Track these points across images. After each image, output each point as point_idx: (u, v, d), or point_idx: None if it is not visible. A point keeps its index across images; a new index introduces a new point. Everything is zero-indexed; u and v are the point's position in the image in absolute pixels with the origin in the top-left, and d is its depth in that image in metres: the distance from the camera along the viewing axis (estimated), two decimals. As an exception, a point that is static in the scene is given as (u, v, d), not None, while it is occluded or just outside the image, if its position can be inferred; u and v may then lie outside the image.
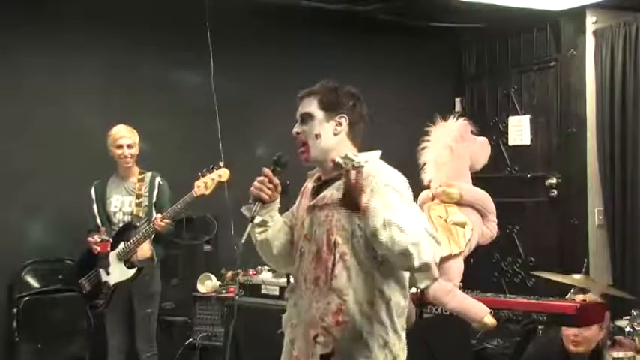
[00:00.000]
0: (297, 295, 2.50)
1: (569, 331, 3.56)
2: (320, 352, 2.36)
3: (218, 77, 5.51)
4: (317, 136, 2.44)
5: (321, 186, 2.50)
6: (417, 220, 2.25)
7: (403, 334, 2.44)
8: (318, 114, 2.45)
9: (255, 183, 2.48)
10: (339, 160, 2.23)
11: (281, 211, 2.60)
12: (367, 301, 2.35)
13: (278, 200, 2.54)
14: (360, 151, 2.48)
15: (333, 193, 2.40)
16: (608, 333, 3.68)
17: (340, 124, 2.45)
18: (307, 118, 2.46)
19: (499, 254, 6.25)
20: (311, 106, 2.46)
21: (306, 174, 2.65)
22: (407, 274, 2.45)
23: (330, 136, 2.45)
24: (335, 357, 2.35)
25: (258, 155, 5.71)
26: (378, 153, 2.49)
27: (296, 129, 2.49)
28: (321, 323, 2.37)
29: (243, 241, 2.48)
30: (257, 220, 2.48)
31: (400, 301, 2.41)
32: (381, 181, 2.32)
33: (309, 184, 2.58)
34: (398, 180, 2.38)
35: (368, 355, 2.34)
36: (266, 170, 2.48)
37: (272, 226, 2.54)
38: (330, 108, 2.45)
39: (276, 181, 2.48)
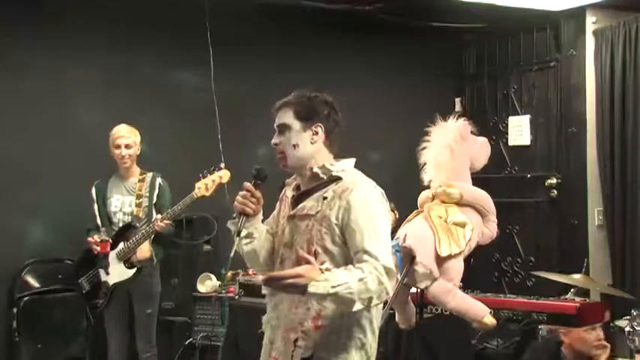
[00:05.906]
0: (277, 298, 2.55)
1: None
2: (300, 356, 2.43)
3: (218, 77, 5.50)
4: (295, 146, 2.51)
5: (301, 195, 2.57)
6: (379, 250, 2.34)
7: (377, 335, 2.53)
8: (295, 124, 2.51)
9: (239, 198, 2.54)
10: (316, 170, 2.46)
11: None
12: None
13: (261, 212, 2.60)
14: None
15: (313, 204, 2.48)
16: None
17: (316, 132, 2.52)
18: (284, 129, 2.53)
19: (499, 254, 6.25)
20: (287, 117, 2.53)
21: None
22: None
23: (308, 145, 2.52)
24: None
25: (258, 155, 5.70)
26: (353, 161, 2.58)
27: (274, 140, 2.55)
28: (300, 328, 2.44)
29: (232, 255, 2.56)
30: (243, 233, 2.55)
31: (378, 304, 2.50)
32: (357, 197, 2.41)
33: (287, 193, 2.65)
34: (373, 195, 2.45)
35: (346, 357, 2.41)
36: (248, 184, 2.54)
37: (257, 237, 2.61)
38: (306, 118, 2.51)
39: (259, 194, 2.54)
